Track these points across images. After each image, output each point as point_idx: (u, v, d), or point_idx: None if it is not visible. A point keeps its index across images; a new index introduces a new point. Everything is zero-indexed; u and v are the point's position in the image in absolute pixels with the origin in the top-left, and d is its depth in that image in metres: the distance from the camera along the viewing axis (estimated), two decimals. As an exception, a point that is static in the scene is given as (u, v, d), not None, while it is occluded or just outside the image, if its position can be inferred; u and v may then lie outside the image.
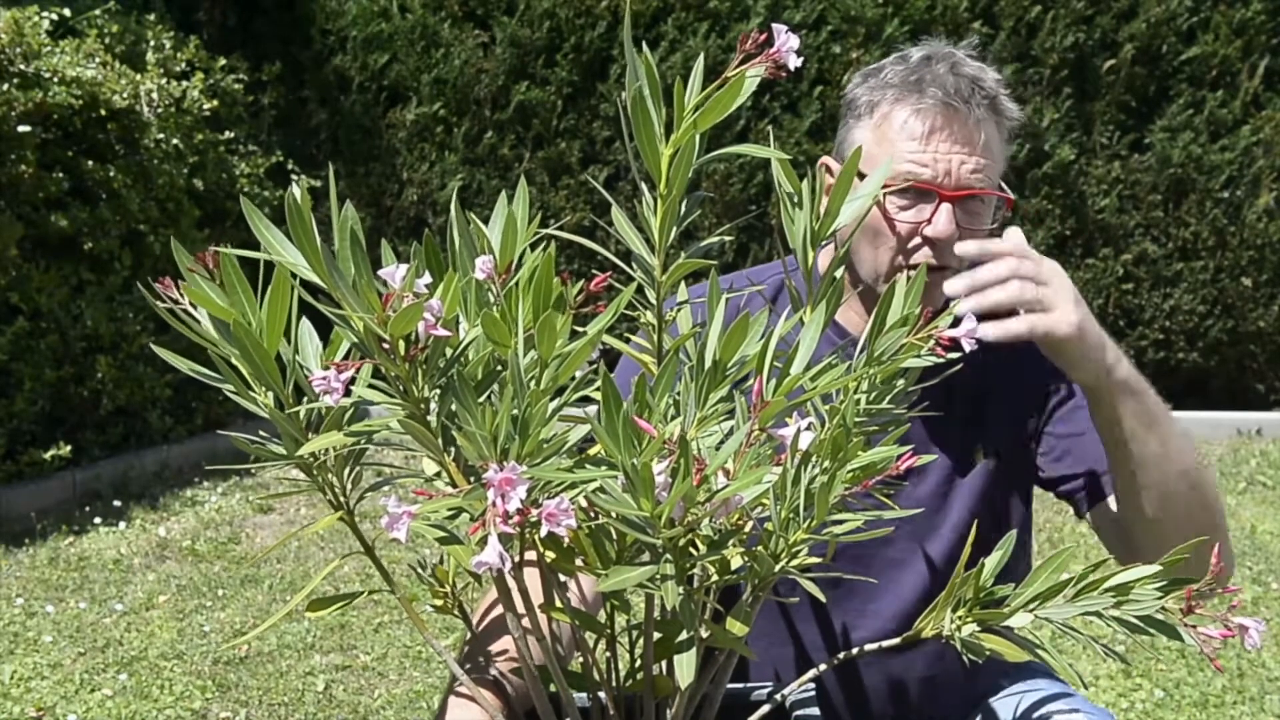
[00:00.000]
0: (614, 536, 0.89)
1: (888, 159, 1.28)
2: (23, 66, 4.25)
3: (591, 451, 0.89)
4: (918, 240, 1.32)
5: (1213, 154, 5.46)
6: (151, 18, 5.38)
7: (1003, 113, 1.35)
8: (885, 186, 1.30)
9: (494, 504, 0.75)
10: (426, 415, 0.85)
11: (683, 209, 0.93)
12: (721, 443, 0.87)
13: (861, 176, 1.28)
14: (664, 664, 0.96)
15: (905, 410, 1.00)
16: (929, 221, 1.30)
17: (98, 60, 4.70)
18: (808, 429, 0.87)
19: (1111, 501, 1.36)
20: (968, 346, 0.97)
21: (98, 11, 5.03)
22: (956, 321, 0.99)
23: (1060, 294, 1.20)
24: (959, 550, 1.39)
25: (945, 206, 1.30)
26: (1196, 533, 1.13)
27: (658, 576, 0.83)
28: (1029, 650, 0.97)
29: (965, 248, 1.23)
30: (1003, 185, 1.37)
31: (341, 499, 0.99)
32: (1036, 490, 1.47)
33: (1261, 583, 3.63)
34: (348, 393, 0.81)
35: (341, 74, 5.86)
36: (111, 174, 4.59)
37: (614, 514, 0.83)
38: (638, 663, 0.99)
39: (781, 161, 1.00)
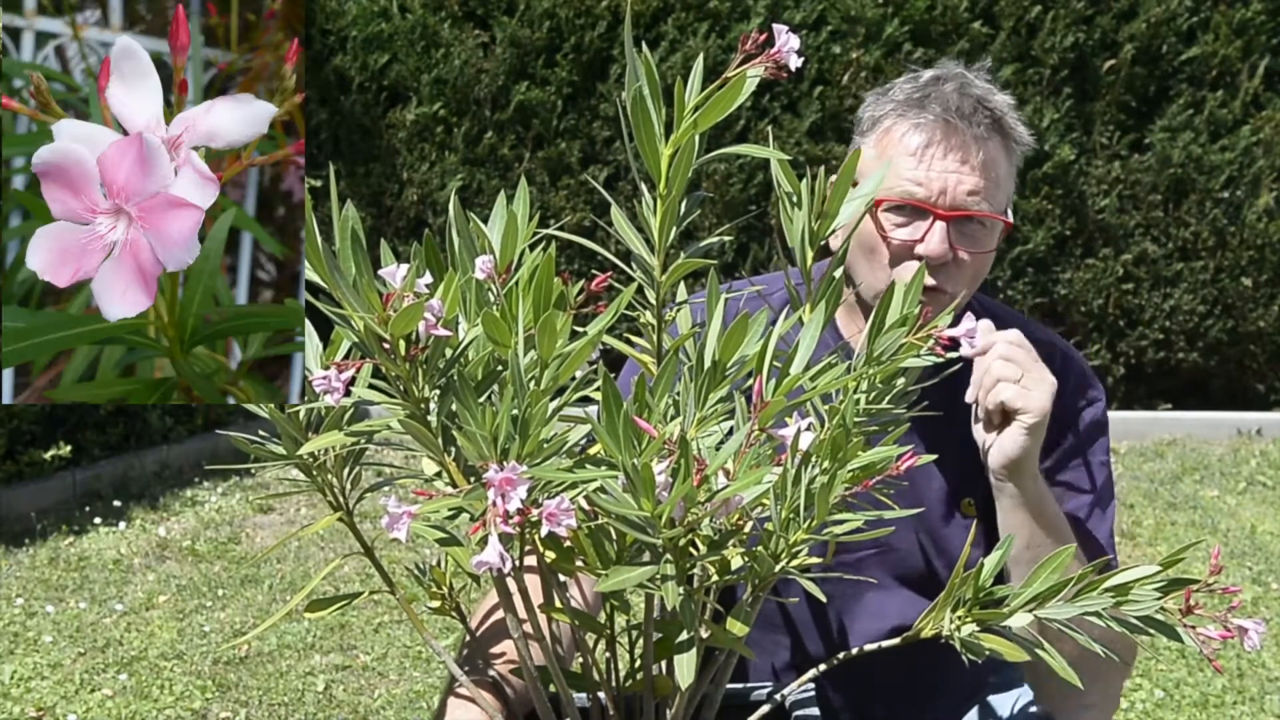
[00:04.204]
0: (614, 536, 0.89)
1: (883, 166, 1.26)
2: (23, 66, 4.25)
3: (591, 451, 0.89)
4: (911, 258, 1.30)
5: (1213, 154, 5.45)
6: (151, 18, 5.38)
7: (1009, 133, 1.33)
8: (880, 201, 1.29)
9: (494, 504, 0.75)
10: (426, 415, 0.85)
11: (683, 209, 0.93)
12: (721, 443, 0.87)
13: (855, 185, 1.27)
14: (664, 664, 0.96)
15: (905, 410, 1.00)
16: (922, 240, 1.29)
17: (98, 60, 4.70)
18: (808, 429, 0.87)
19: None
20: (967, 346, 0.97)
21: (98, 11, 5.03)
22: (956, 320, 0.99)
23: (1038, 389, 1.22)
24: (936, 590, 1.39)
25: (939, 226, 1.28)
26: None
27: (658, 576, 0.83)
28: (1029, 650, 0.97)
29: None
30: (1008, 209, 1.34)
31: (341, 499, 0.99)
32: None
33: (1261, 583, 3.63)
34: (348, 393, 0.81)
35: (341, 74, 5.86)
36: (111, 174, 4.59)
37: (614, 514, 0.83)
38: (638, 663, 0.99)
39: (781, 162, 1.00)
